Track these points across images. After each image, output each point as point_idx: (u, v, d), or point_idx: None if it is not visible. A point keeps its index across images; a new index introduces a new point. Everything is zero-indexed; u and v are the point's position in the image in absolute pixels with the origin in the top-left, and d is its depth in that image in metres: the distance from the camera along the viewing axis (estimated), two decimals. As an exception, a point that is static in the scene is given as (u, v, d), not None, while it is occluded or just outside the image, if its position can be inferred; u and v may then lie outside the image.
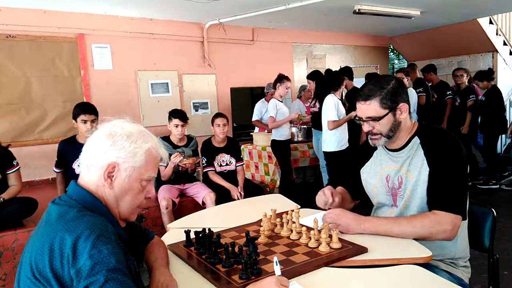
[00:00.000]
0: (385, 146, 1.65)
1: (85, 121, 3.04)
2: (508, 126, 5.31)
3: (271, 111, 4.46)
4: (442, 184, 1.45)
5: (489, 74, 5.40)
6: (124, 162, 1.08)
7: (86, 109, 3.07)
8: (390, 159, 1.63)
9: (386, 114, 1.51)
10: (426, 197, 1.50)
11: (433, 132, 1.56)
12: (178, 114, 3.49)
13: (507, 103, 5.39)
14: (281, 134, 4.45)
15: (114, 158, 1.07)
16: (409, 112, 1.57)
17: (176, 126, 3.46)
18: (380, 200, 1.67)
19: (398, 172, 1.59)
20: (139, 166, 1.10)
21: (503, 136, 6.54)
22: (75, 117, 3.08)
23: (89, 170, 1.10)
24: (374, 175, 1.69)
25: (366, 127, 1.57)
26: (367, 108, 1.53)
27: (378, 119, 1.52)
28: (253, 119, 5.37)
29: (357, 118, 1.60)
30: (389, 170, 1.63)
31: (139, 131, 1.13)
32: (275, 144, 4.48)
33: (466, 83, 5.65)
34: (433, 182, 1.48)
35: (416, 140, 1.57)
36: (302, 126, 5.02)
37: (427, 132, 1.57)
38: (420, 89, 5.53)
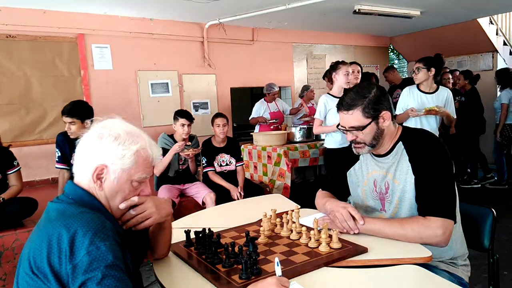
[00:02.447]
0: (371, 152, 1.65)
1: (65, 122, 3.00)
2: (498, 127, 5.32)
3: (318, 110, 3.64)
4: (429, 190, 1.45)
5: (474, 79, 5.57)
6: (112, 164, 1.09)
7: (64, 111, 3.00)
8: (375, 164, 1.64)
9: (369, 123, 1.51)
10: (416, 204, 1.50)
11: (416, 136, 1.56)
12: (184, 114, 3.50)
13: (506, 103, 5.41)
14: (332, 140, 3.66)
15: (102, 161, 1.09)
16: (392, 118, 1.56)
17: (183, 126, 3.47)
18: (369, 204, 1.67)
19: (385, 178, 1.59)
20: (128, 168, 1.11)
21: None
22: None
23: (81, 172, 1.12)
24: (361, 178, 1.69)
25: (349, 137, 1.57)
26: (350, 118, 1.53)
27: (361, 128, 1.52)
28: (250, 117, 5.38)
29: (340, 127, 1.60)
30: (375, 175, 1.63)
31: (128, 132, 1.13)
32: (326, 153, 3.86)
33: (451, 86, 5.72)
34: (421, 189, 1.48)
35: (400, 145, 1.56)
36: (302, 126, 5.01)
37: (410, 137, 1.57)
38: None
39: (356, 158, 1.72)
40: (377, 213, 1.65)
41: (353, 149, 1.61)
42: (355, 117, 1.52)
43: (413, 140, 1.55)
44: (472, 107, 5.45)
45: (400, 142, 1.57)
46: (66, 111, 3.01)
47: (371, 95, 1.51)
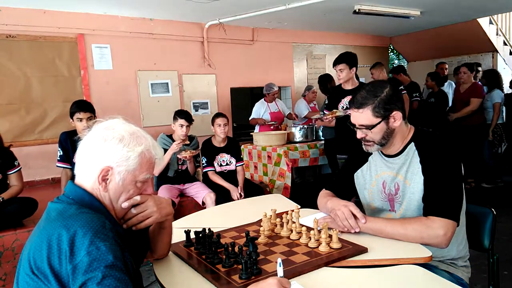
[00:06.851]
0: (381, 152, 1.65)
1: (80, 119, 3.01)
2: (491, 126, 5.32)
3: None
4: (435, 190, 1.45)
5: (442, 80, 5.62)
6: (117, 166, 1.10)
7: (81, 107, 3.05)
8: (385, 165, 1.63)
9: (379, 123, 1.51)
10: (423, 204, 1.50)
11: (428, 137, 1.56)
12: (184, 115, 3.50)
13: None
14: None
15: (108, 163, 1.09)
16: (404, 118, 1.56)
17: (181, 126, 3.47)
18: (377, 205, 1.67)
19: (395, 179, 1.59)
20: (132, 169, 1.12)
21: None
22: (71, 115, 3.07)
23: (84, 173, 1.12)
24: (369, 180, 1.69)
25: (359, 134, 1.58)
26: (360, 116, 1.53)
27: (370, 127, 1.52)
28: (250, 118, 5.38)
29: (351, 123, 1.60)
30: (385, 176, 1.63)
31: (132, 133, 1.14)
32: None
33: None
34: (427, 190, 1.48)
35: (412, 146, 1.56)
36: (302, 126, 5.01)
37: (423, 138, 1.56)
38: (416, 94, 5.40)
39: (364, 159, 1.72)
40: (386, 213, 1.64)
41: (363, 146, 1.62)
42: (365, 115, 1.52)
43: (425, 141, 1.55)
44: (442, 109, 5.47)
45: (412, 143, 1.57)
46: (84, 107, 3.06)
47: (383, 94, 1.51)
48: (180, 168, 3.60)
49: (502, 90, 5.40)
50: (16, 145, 4.16)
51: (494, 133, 5.31)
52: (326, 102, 3.93)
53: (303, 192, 4.84)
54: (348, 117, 1.65)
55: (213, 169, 3.66)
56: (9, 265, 2.82)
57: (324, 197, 1.74)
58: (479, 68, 5.97)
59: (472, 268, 1.65)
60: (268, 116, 5.32)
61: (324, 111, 3.89)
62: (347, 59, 3.62)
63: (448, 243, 1.40)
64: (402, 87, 5.02)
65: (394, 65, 10.41)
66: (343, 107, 3.69)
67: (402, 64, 9.50)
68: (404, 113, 1.55)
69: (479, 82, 5.50)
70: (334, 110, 3.73)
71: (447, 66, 6.35)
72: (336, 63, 3.67)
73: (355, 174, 1.75)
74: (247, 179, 3.95)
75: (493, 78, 5.38)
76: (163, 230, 1.34)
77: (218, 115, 3.72)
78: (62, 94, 4.71)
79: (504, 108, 5.81)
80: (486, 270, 1.72)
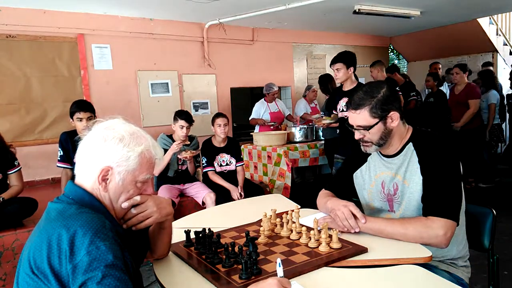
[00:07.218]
0: (379, 152, 1.65)
1: (80, 119, 3.02)
2: (487, 127, 5.31)
3: None
4: (435, 190, 1.45)
5: (441, 81, 5.63)
6: (117, 166, 1.10)
7: (81, 107, 3.05)
8: (384, 165, 1.64)
9: (376, 124, 1.51)
10: (422, 204, 1.50)
11: (427, 138, 1.56)
12: (184, 116, 3.49)
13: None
14: None
15: (108, 163, 1.09)
16: (402, 118, 1.56)
17: (182, 127, 3.47)
18: (376, 206, 1.67)
19: (393, 179, 1.59)
20: (132, 169, 1.12)
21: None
22: (71, 115, 3.07)
23: (84, 173, 1.12)
24: (368, 180, 1.69)
25: (357, 135, 1.58)
26: (357, 117, 1.54)
27: (368, 128, 1.52)
28: (250, 117, 5.38)
29: (349, 125, 1.61)
30: (383, 176, 1.63)
31: (132, 133, 1.14)
32: None
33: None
34: (427, 190, 1.48)
35: (410, 146, 1.56)
36: (302, 126, 5.02)
37: (421, 138, 1.56)
38: (413, 93, 5.41)
39: (363, 160, 1.72)
40: (385, 213, 1.65)
41: (361, 147, 1.62)
42: (362, 116, 1.52)
43: (423, 141, 1.55)
44: (441, 108, 5.47)
45: (411, 143, 1.57)
46: (84, 107, 3.07)
47: (380, 95, 1.51)
48: (180, 168, 3.60)
49: (497, 90, 5.40)
50: (16, 145, 4.14)
51: (490, 133, 5.32)
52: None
53: (303, 192, 4.84)
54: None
55: (213, 169, 3.66)
56: (9, 265, 2.82)
57: (324, 197, 1.74)
58: (491, 68, 5.95)
59: (472, 268, 1.65)
60: (268, 116, 5.32)
61: (333, 112, 3.89)
62: (344, 58, 3.56)
63: (448, 243, 1.40)
64: (398, 88, 5.01)
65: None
66: (340, 109, 3.68)
67: (402, 64, 9.51)
68: (401, 113, 1.56)
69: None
70: (324, 117, 3.75)
71: (440, 66, 6.35)
72: (333, 62, 3.62)
73: (354, 174, 1.75)
74: (247, 179, 3.95)
75: (489, 79, 5.37)
76: (163, 230, 1.34)
77: (218, 115, 3.71)
78: (62, 94, 4.71)
79: (506, 108, 5.81)
80: (486, 270, 1.72)
